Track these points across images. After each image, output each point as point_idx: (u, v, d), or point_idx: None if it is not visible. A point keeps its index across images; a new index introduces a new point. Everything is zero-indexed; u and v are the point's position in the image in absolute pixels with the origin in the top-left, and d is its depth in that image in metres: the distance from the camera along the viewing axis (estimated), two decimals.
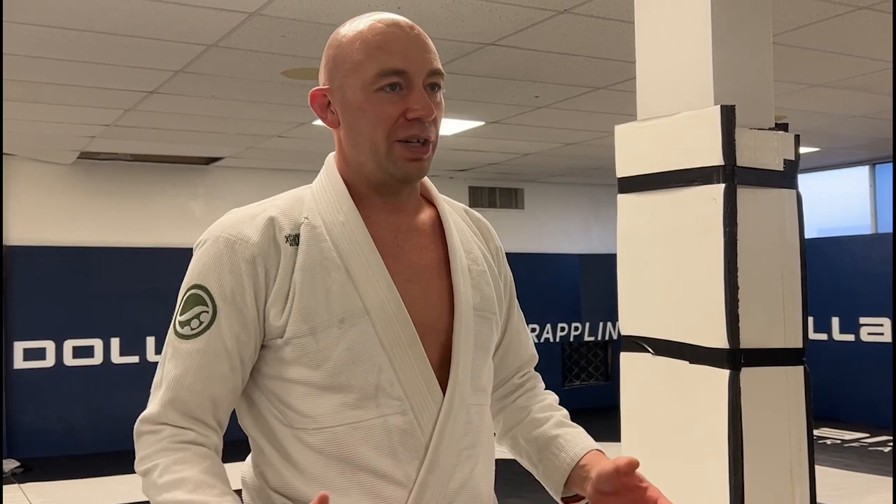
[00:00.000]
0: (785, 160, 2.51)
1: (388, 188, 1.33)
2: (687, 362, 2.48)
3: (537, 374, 1.66)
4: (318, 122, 6.48)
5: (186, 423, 1.25)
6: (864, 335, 8.79)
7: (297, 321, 1.23)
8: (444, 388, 1.29)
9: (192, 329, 1.26)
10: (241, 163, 8.45)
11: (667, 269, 2.55)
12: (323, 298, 1.24)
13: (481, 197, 9.92)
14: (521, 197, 10.18)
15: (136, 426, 1.27)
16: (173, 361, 1.26)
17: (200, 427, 1.26)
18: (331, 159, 1.39)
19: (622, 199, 2.69)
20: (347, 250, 1.27)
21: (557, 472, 1.44)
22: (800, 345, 2.52)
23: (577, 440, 1.46)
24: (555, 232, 10.35)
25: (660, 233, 2.57)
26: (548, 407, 1.54)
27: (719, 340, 2.40)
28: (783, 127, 2.60)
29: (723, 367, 2.39)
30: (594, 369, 10.53)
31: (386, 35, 1.27)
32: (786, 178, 2.51)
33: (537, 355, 1.65)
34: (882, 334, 8.64)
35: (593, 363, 10.53)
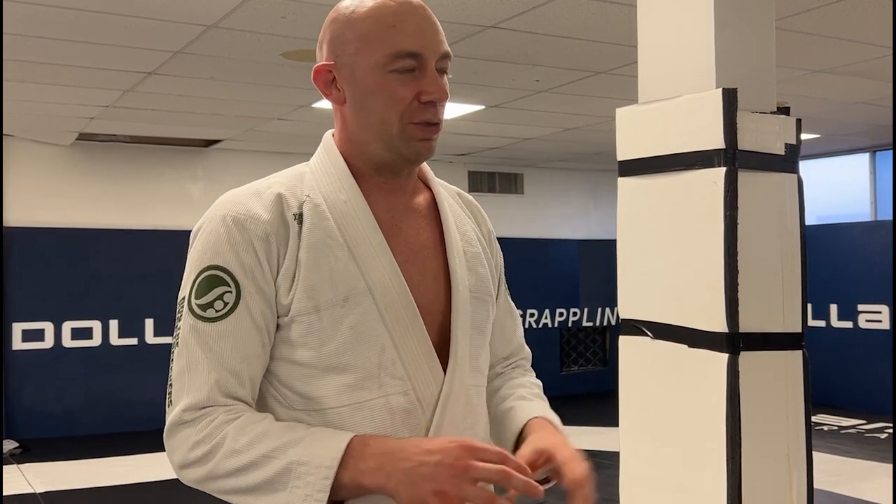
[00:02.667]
0: (786, 144, 2.50)
1: (390, 168, 1.32)
2: (686, 346, 2.48)
3: (530, 369, 1.60)
4: (318, 105, 6.46)
5: (233, 403, 1.22)
6: (862, 322, 8.80)
7: (303, 299, 1.22)
8: (444, 369, 1.28)
9: (217, 311, 1.21)
10: (241, 145, 8.43)
11: (666, 253, 2.55)
12: (327, 277, 1.23)
13: (481, 182, 9.90)
14: (521, 182, 10.17)
15: (174, 418, 1.22)
16: (202, 346, 1.21)
17: (245, 406, 1.23)
18: (329, 137, 1.37)
19: (622, 182, 2.69)
20: (350, 229, 1.26)
21: (507, 446, 1.38)
22: (799, 329, 2.52)
23: (525, 412, 1.41)
24: (554, 217, 10.34)
25: (660, 216, 2.56)
26: (517, 385, 1.50)
27: (718, 324, 2.39)
28: (785, 111, 2.59)
29: (721, 351, 2.39)
30: (592, 355, 10.54)
31: (399, 14, 1.25)
32: (787, 162, 2.50)
33: (529, 351, 1.61)
34: (880, 321, 8.65)
35: (591, 348, 10.54)
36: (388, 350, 1.24)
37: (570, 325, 10.27)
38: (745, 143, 2.41)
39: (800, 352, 2.52)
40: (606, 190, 10.62)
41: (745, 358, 2.40)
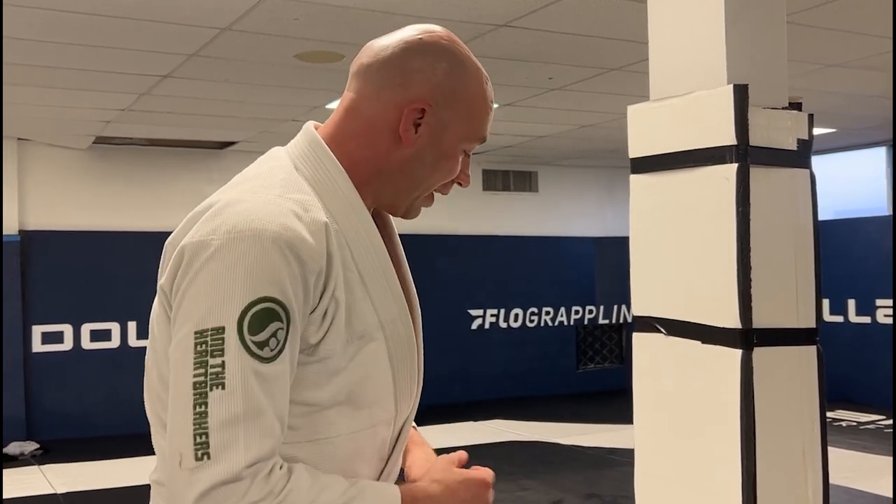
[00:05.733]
0: (798, 139, 2.49)
1: (381, 205, 1.28)
2: (699, 342, 2.48)
3: None
4: (332, 106, 6.49)
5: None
6: (881, 317, 8.74)
7: (334, 340, 1.12)
8: None
9: (272, 350, 1.05)
10: (256, 147, 8.46)
11: (679, 249, 2.55)
12: (346, 315, 1.13)
13: (495, 180, 9.90)
14: (536, 180, 10.16)
15: (222, 475, 1.01)
16: (265, 391, 1.04)
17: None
18: (321, 142, 1.21)
19: (635, 179, 2.69)
20: (364, 261, 1.16)
21: None
22: (813, 324, 2.51)
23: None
24: (569, 215, 10.33)
25: (672, 213, 2.56)
26: None
27: (731, 320, 2.39)
28: (797, 106, 2.58)
29: (735, 347, 2.39)
30: (608, 352, 10.52)
31: (489, 101, 1.28)
32: (799, 157, 2.49)
33: None
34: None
35: (607, 346, 10.53)
36: (388, 385, 1.20)
37: (585, 322, 10.26)
38: (757, 138, 2.41)
39: (814, 347, 2.52)
40: (621, 187, 10.58)
41: (759, 354, 2.39)
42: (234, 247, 1.06)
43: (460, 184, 1.28)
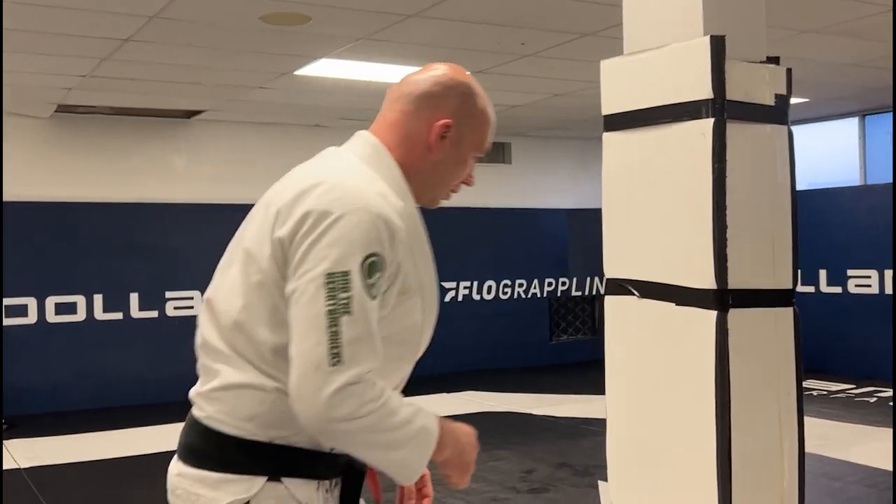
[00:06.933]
0: (776, 95, 2.42)
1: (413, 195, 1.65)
2: (673, 304, 2.41)
3: None
4: (300, 72, 6.34)
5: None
6: (852, 287, 8.78)
7: (390, 292, 1.49)
8: None
9: (376, 290, 1.44)
10: (223, 116, 8.29)
11: (653, 209, 2.47)
12: (402, 275, 1.51)
13: None
14: (509, 151, 10.06)
15: (353, 377, 1.39)
16: (373, 320, 1.43)
17: None
18: (384, 148, 1.60)
19: (608, 137, 2.60)
20: (413, 236, 1.54)
21: None
22: (790, 286, 2.45)
23: None
24: (542, 187, 10.25)
25: (647, 171, 2.48)
26: None
27: (707, 281, 2.32)
28: (774, 60, 2.50)
29: (710, 309, 2.32)
30: (581, 324, 10.50)
31: (492, 121, 1.68)
32: (777, 113, 2.42)
33: None
34: (870, 286, 8.63)
35: (580, 318, 10.50)
36: (417, 331, 1.58)
37: (559, 294, 10.22)
38: (734, 93, 2.33)
39: (790, 309, 2.46)
40: (595, 158, 10.50)
41: (735, 315, 2.33)
42: (352, 216, 1.43)
43: (467, 183, 1.69)
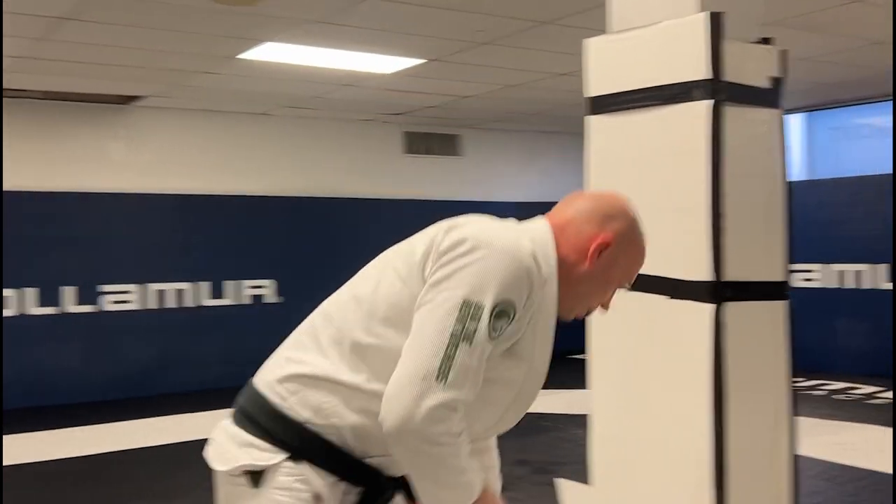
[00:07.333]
0: (771, 77, 2.30)
1: None
2: (666, 297, 2.28)
3: None
4: (245, 56, 6.10)
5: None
6: (797, 281, 8.85)
7: (502, 344, 1.52)
8: None
9: (496, 333, 1.48)
10: (165, 102, 7.97)
11: (644, 196, 2.32)
12: (520, 335, 1.54)
13: (417, 143, 9.61)
14: (459, 143, 9.90)
15: (449, 401, 1.43)
16: (481, 356, 1.47)
17: None
18: (550, 232, 1.61)
19: (593, 120, 2.46)
20: (543, 310, 1.55)
21: None
22: (782, 277, 2.35)
23: None
24: (492, 179, 10.12)
25: (635, 156, 2.35)
26: None
27: (702, 272, 2.20)
28: (766, 41, 2.39)
29: (705, 302, 2.20)
30: None
31: (644, 257, 1.69)
32: (773, 96, 2.31)
33: None
34: (811, 280, 8.69)
35: None
36: (509, 390, 1.59)
37: None
38: (731, 74, 2.21)
39: (784, 302, 2.35)
40: (544, 151, 10.46)
41: (730, 309, 2.21)
42: (505, 258, 1.50)
43: (604, 307, 1.68)
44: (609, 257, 1.60)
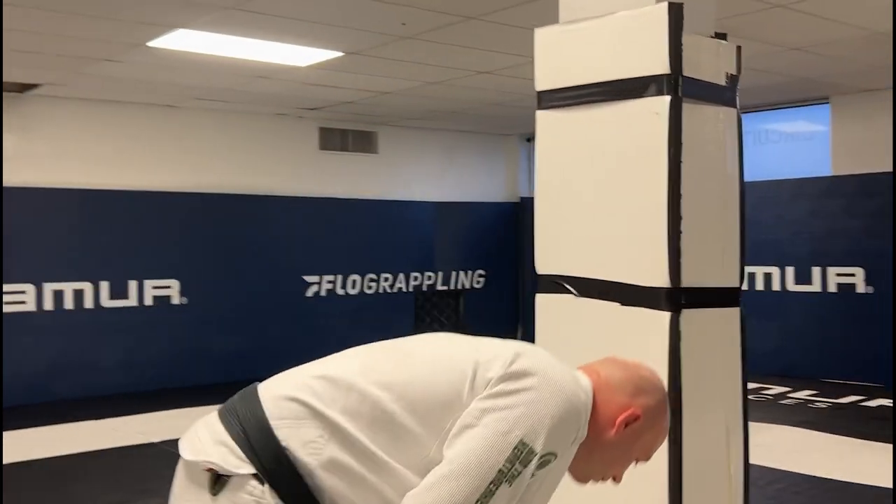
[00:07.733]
0: (727, 74, 2.20)
1: None
2: (618, 304, 2.16)
3: None
4: (153, 44, 5.77)
5: None
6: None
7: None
8: None
9: (532, 479, 1.46)
10: (64, 91, 7.51)
11: (596, 198, 2.20)
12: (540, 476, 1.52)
13: (332, 139, 9.36)
14: (375, 140, 9.70)
15: None
16: (508, 499, 1.43)
17: None
18: (591, 392, 1.57)
19: (542, 115, 2.32)
20: (560, 468, 1.54)
21: None
22: (737, 283, 2.25)
23: None
24: (409, 178, 9.95)
25: (588, 155, 2.21)
26: None
27: (659, 278, 2.08)
28: (721, 37, 2.29)
29: (662, 309, 2.08)
30: (446, 319, 10.30)
31: (665, 437, 1.69)
32: (729, 94, 2.21)
33: None
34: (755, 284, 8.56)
35: (445, 313, 10.30)
36: None
37: (424, 289, 9.97)
38: (689, 69, 2.10)
39: (737, 309, 2.26)
40: (461, 151, 10.35)
41: (687, 316, 2.10)
42: (565, 406, 1.49)
43: (615, 480, 1.66)
44: (635, 430, 1.60)
